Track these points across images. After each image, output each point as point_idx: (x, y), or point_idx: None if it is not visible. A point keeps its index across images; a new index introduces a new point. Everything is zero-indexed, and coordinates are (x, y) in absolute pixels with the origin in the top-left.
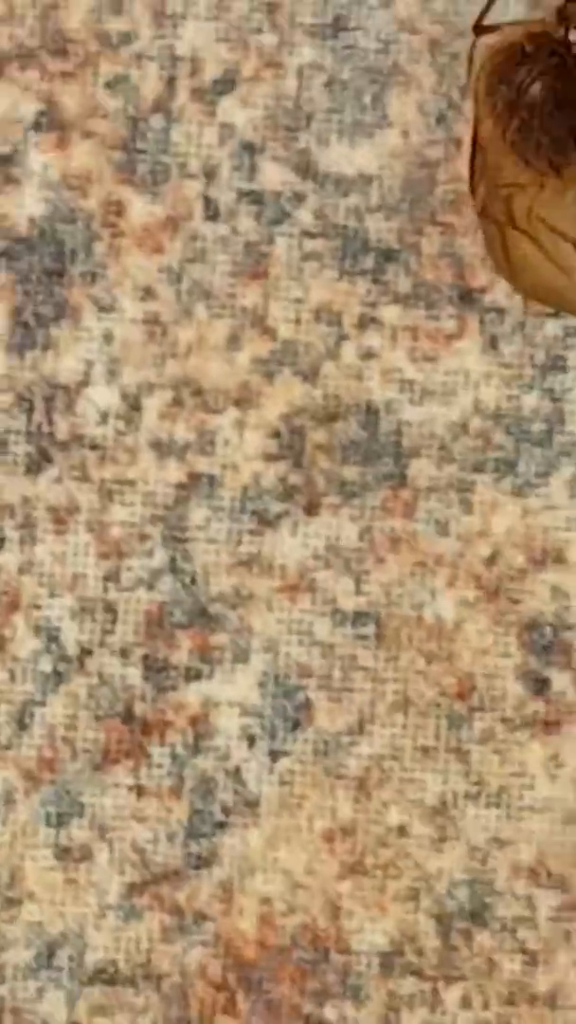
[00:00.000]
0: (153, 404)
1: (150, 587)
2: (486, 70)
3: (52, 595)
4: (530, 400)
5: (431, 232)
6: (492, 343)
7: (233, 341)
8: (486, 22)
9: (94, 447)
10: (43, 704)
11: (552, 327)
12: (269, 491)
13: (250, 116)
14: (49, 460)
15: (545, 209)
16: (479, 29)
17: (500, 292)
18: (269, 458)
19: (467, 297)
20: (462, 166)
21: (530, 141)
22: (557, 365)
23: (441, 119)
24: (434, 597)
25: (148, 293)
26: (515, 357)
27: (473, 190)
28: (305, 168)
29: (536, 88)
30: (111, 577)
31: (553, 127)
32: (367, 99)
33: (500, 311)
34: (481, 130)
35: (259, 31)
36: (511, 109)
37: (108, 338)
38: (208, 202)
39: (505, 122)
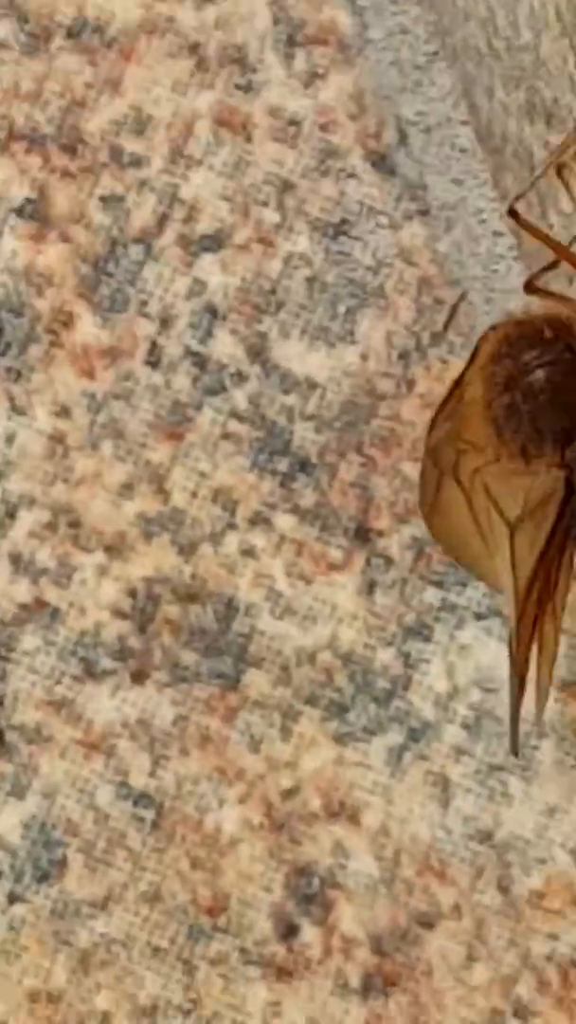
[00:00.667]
0: (27, 519)
1: None
2: (498, 335)
3: None
4: (384, 656)
5: (352, 460)
6: (369, 588)
7: (126, 489)
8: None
9: None
10: None
11: (432, 595)
12: (105, 645)
13: (225, 281)
14: None
15: (492, 479)
16: (530, 287)
17: (396, 543)
18: (117, 613)
19: (362, 534)
20: (407, 410)
21: (512, 421)
22: (422, 633)
23: (404, 356)
24: (221, 807)
25: (64, 411)
26: (386, 610)
27: (432, 426)
28: (257, 352)
29: (540, 375)
30: None
31: (541, 419)
32: (341, 309)
33: (388, 560)
34: (468, 388)
35: (265, 204)
36: (507, 384)
37: (9, 439)
38: (154, 347)
39: (496, 393)
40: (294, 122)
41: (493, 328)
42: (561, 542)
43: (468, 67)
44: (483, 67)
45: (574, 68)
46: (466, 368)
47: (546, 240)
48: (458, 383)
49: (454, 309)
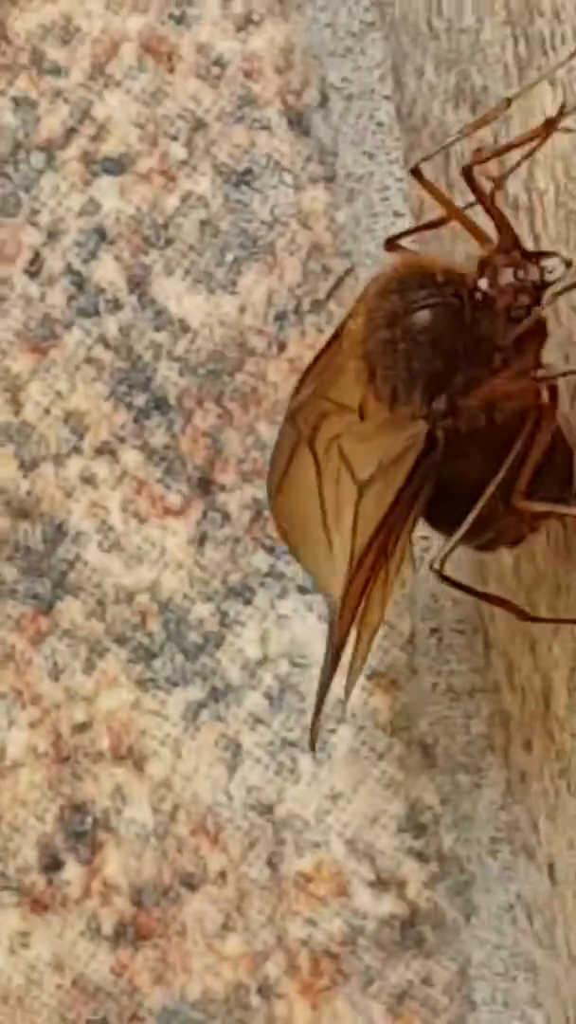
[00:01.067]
0: None
1: None
2: (388, 273)
3: None
4: (202, 610)
5: (209, 409)
6: (201, 539)
7: None
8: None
9: None
10: None
11: (261, 559)
12: None
13: (119, 207)
14: None
15: (349, 441)
16: (391, 245)
17: (236, 500)
18: None
19: (204, 485)
20: (273, 370)
21: (387, 358)
22: (244, 595)
23: (281, 317)
24: (10, 728)
25: None
26: (213, 564)
27: (298, 388)
28: (137, 283)
29: (425, 315)
30: None
31: (417, 360)
32: (228, 258)
33: (225, 516)
34: (349, 323)
35: (174, 138)
36: (390, 320)
37: None
38: (36, 258)
39: (376, 327)
40: (219, 63)
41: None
42: (409, 502)
43: (403, 42)
44: (418, 45)
45: (512, 58)
46: (343, 322)
47: (445, 202)
48: (333, 339)
49: (339, 280)
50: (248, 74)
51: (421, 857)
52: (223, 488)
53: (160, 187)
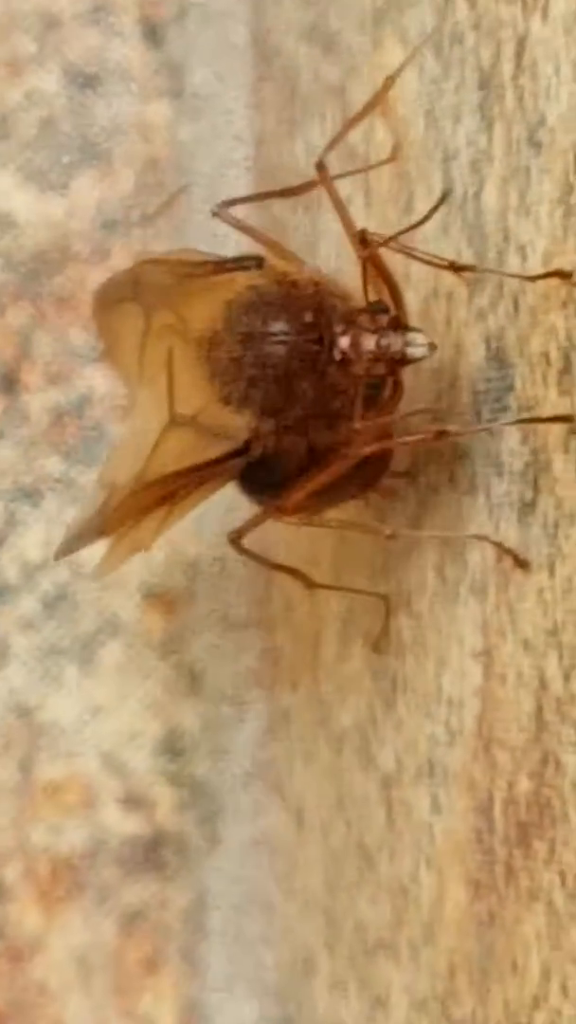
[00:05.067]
0: None
1: None
2: (266, 286)
3: None
4: None
5: (24, 307)
6: None
7: None
8: None
9: None
10: None
11: (55, 464)
12: None
13: None
14: None
15: (180, 353)
16: (222, 214)
17: (38, 402)
18: None
19: (8, 383)
20: (93, 278)
21: (229, 373)
22: (32, 498)
23: (108, 226)
24: None
25: None
26: (5, 463)
27: (151, 260)
28: None
29: (280, 351)
30: None
31: (256, 388)
32: (64, 160)
33: (25, 416)
34: (207, 293)
35: (26, 32)
36: (243, 340)
37: None
38: None
39: (230, 340)
40: None
41: (259, 262)
42: (209, 474)
43: None
44: None
45: (368, 8)
46: (217, 265)
47: (263, 240)
48: (206, 268)
49: (172, 198)
50: None
51: (174, 781)
52: (27, 388)
53: (5, 79)
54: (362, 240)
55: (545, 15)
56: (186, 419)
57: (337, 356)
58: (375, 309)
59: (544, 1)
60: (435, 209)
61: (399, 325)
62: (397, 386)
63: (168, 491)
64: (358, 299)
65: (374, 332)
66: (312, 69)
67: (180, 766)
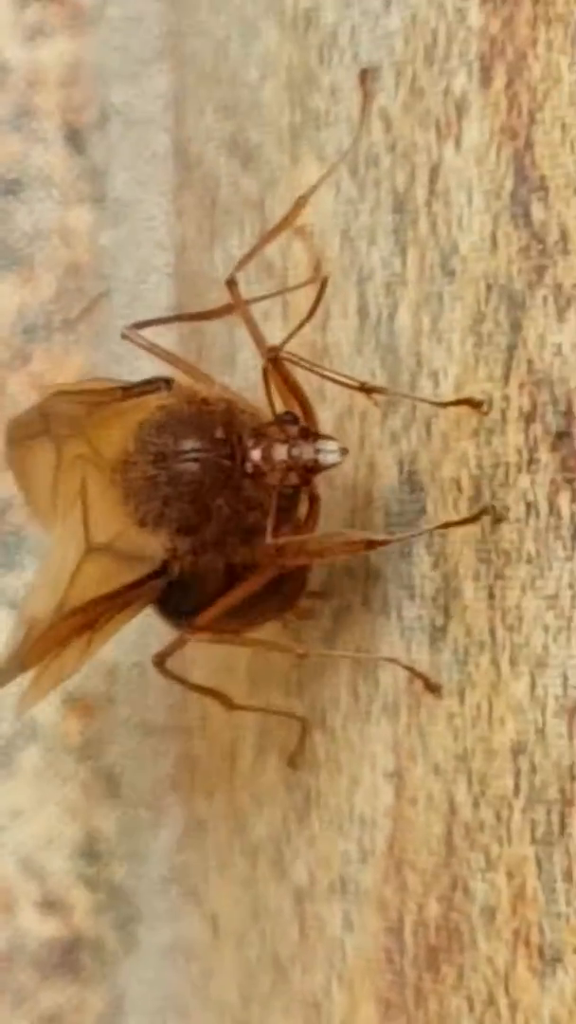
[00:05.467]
0: None
1: None
2: (177, 405)
3: None
4: None
5: None
6: None
7: None
8: None
9: None
10: None
11: None
12: None
13: None
14: None
15: (93, 482)
16: (130, 335)
17: None
18: None
19: None
20: (13, 383)
21: (144, 493)
22: None
23: (30, 331)
24: None
25: None
26: None
27: (60, 391)
28: None
29: (194, 468)
30: None
31: (173, 506)
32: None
33: None
34: (119, 418)
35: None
36: (156, 459)
37: None
38: None
39: (143, 460)
40: (4, 69)
41: (168, 383)
42: (125, 602)
43: (189, 78)
44: (202, 86)
45: (287, 124)
46: (126, 390)
47: (172, 360)
48: (115, 394)
49: (92, 303)
50: (31, 84)
51: (91, 885)
52: None
53: None
54: (269, 355)
55: (458, 144)
56: (103, 546)
57: (250, 468)
58: (284, 420)
59: (457, 130)
60: (317, 303)
61: (309, 434)
62: (314, 501)
63: (89, 619)
64: (268, 413)
65: (285, 442)
66: (232, 180)
67: (98, 870)
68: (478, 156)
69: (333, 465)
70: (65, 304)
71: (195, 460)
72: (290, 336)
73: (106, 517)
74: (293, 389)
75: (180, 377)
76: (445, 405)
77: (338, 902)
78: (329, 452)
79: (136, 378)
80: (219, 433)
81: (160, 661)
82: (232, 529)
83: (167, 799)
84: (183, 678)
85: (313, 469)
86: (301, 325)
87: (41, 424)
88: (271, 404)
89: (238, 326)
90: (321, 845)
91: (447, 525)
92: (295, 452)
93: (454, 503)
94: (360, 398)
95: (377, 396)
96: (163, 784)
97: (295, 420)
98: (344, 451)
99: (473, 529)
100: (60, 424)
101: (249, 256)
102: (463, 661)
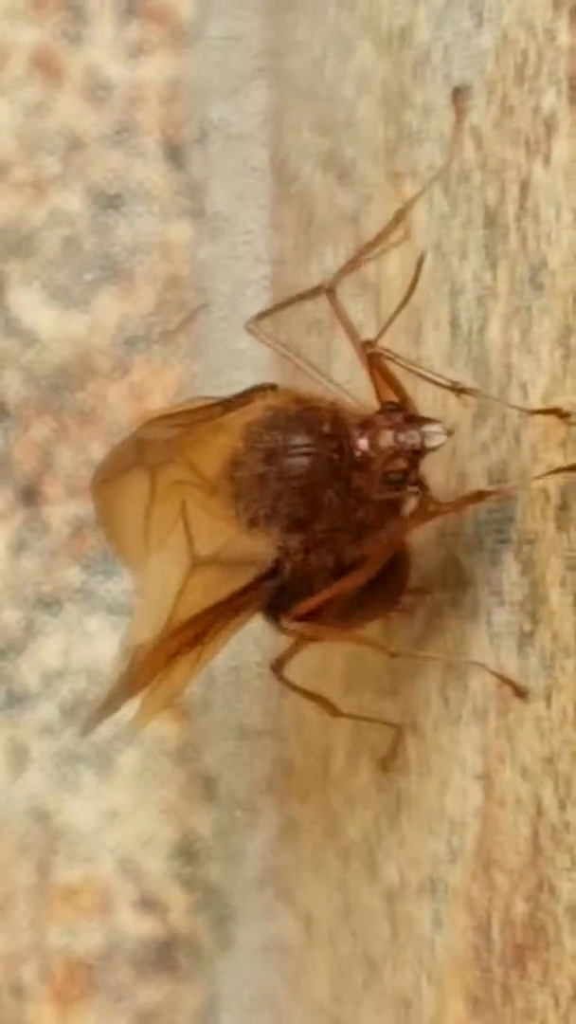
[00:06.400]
0: None
1: None
2: (280, 404)
3: None
4: (9, 615)
5: (46, 422)
6: (20, 546)
7: None
8: None
9: None
10: None
11: (75, 575)
12: None
13: None
14: None
15: (194, 502)
16: (254, 328)
17: (59, 514)
18: None
19: (30, 494)
20: (114, 393)
21: (254, 491)
22: (52, 607)
23: (130, 343)
24: None
25: None
26: (27, 573)
27: (152, 420)
28: None
29: (303, 462)
30: None
31: (283, 502)
32: (87, 277)
33: (46, 527)
34: (223, 427)
35: (51, 153)
36: (266, 457)
37: None
38: None
39: (250, 459)
40: (106, 86)
41: (273, 388)
42: (239, 605)
43: (287, 95)
44: (299, 102)
45: (381, 140)
46: (226, 403)
47: (349, 330)
48: (215, 410)
49: (191, 315)
50: (132, 101)
51: (187, 885)
52: (47, 500)
53: (29, 198)
54: (367, 349)
55: (547, 161)
56: (209, 559)
57: (358, 456)
58: (389, 408)
59: (546, 147)
60: (414, 283)
61: (414, 419)
62: (424, 488)
63: (198, 632)
64: (372, 407)
65: (391, 428)
66: (327, 196)
67: (193, 870)
68: (567, 173)
69: (439, 446)
70: (164, 316)
71: (305, 455)
72: (388, 324)
73: (209, 531)
74: (391, 381)
75: (281, 384)
76: (533, 413)
77: (428, 901)
78: (435, 434)
79: (233, 390)
80: (327, 428)
81: (278, 667)
82: (342, 525)
83: (262, 801)
84: (297, 686)
85: (420, 452)
86: (399, 310)
87: (136, 454)
88: (378, 395)
89: (333, 338)
90: (411, 846)
91: (553, 472)
92: (401, 437)
93: (542, 511)
94: (452, 409)
95: (468, 399)
96: (258, 786)
97: (399, 408)
98: (450, 432)
99: (560, 538)
100: (155, 452)
101: (348, 267)
102: (549, 666)
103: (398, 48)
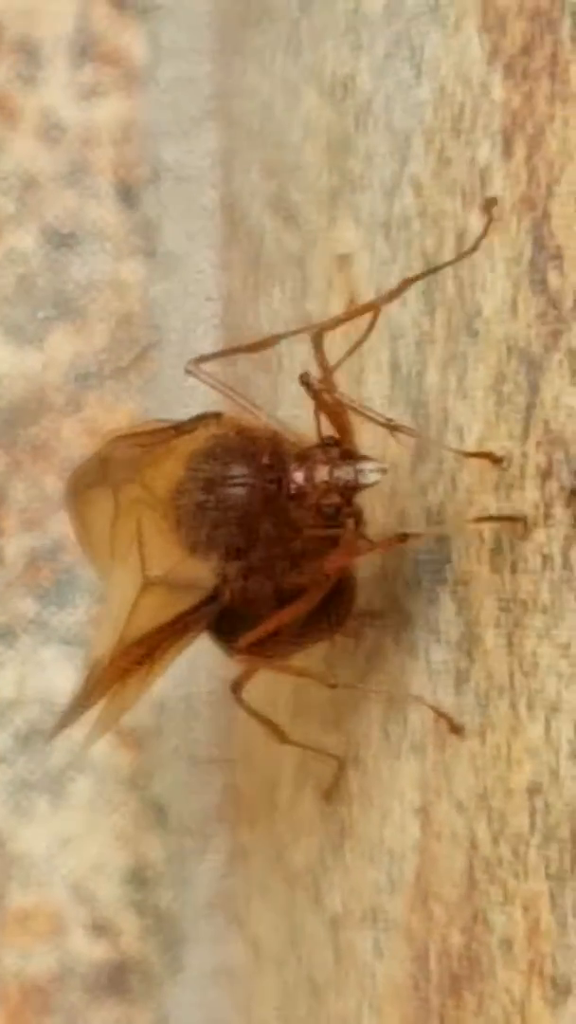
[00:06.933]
0: None
1: None
2: (223, 434)
3: None
4: None
5: (0, 455)
6: None
7: None
8: None
9: None
10: None
11: (29, 606)
12: None
13: None
14: None
15: (148, 521)
16: (193, 370)
17: (14, 546)
18: None
19: None
20: (67, 428)
21: (195, 519)
22: (6, 638)
23: (82, 379)
24: None
25: None
26: None
27: (117, 439)
28: None
29: (241, 493)
30: None
31: (221, 530)
32: (40, 315)
33: (0, 560)
34: (170, 454)
35: (5, 193)
36: (206, 486)
37: None
38: None
39: (193, 487)
40: (59, 127)
41: (218, 417)
42: (185, 626)
43: (237, 138)
44: (249, 145)
45: (326, 186)
46: (178, 427)
47: (229, 395)
48: (169, 433)
49: (143, 352)
50: (86, 142)
51: (139, 909)
52: (2, 532)
53: None
54: (308, 383)
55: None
56: (158, 579)
57: (293, 490)
58: (326, 444)
59: (482, 198)
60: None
61: (350, 455)
62: (359, 523)
63: (147, 650)
64: (312, 440)
65: (326, 463)
66: (275, 237)
67: (145, 895)
68: (500, 225)
69: (373, 483)
70: (117, 353)
71: (242, 485)
72: (336, 365)
73: (160, 551)
74: (334, 417)
75: (227, 413)
76: (468, 455)
77: (369, 930)
78: (368, 472)
79: None
80: (265, 459)
81: (236, 688)
82: (279, 553)
83: (212, 828)
84: (252, 709)
85: (354, 487)
86: (350, 353)
87: (100, 472)
88: (318, 430)
89: (280, 376)
90: (354, 875)
91: (481, 520)
92: (336, 473)
93: (476, 554)
94: (392, 449)
95: (404, 439)
96: (209, 814)
97: (336, 443)
98: (383, 471)
99: (493, 580)
100: (118, 469)
101: (306, 330)
102: (484, 704)
103: (341, 96)
